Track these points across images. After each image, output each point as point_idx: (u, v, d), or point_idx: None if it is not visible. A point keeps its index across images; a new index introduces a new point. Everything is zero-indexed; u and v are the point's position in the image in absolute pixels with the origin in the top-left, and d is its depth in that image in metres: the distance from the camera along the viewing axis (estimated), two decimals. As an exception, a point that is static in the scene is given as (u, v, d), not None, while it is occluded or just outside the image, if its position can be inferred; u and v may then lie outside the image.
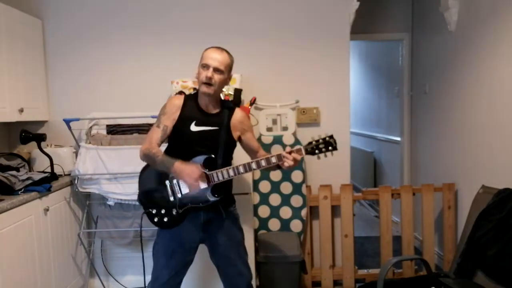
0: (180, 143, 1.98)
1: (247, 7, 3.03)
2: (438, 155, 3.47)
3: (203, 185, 1.90)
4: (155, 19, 3.03)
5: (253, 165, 1.89)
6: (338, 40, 3.04)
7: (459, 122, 3.10)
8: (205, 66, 1.92)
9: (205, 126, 1.97)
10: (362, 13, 3.34)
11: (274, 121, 3.01)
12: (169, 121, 1.97)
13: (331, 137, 1.89)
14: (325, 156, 1.89)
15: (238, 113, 2.07)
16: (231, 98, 2.71)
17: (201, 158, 1.91)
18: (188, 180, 1.86)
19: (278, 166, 1.94)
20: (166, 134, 1.98)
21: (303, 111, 3.07)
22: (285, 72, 3.07)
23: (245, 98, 2.89)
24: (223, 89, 2.70)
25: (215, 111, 2.01)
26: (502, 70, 2.58)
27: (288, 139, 2.98)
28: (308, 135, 3.07)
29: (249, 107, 2.85)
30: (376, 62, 5.05)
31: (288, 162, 1.85)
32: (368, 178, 5.29)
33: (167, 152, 2.04)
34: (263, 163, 1.89)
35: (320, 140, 1.88)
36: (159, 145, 1.97)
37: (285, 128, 3.01)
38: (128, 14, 3.03)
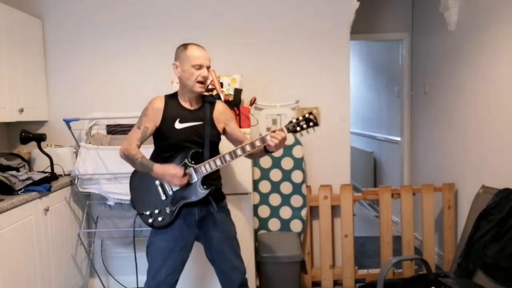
0: (168, 142, 2.00)
1: (247, 7, 3.03)
2: (438, 155, 3.47)
3: (192, 179, 1.94)
4: (156, 19, 3.04)
5: (238, 152, 1.92)
6: (338, 40, 3.04)
7: (459, 122, 3.10)
8: (199, 66, 1.95)
9: (189, 122, 2.01)
10: (362, 13, 3.34)
11: (274, 121, 3.01)
12: (150, 123, 2.00)
13: (310, 113, 1.92)
14: (307, 132, 1.93)
15: (219, 105, 2.12)
16: (231, 98, 2.72)
17: (187, 154, 1.95)
18: (173, 179, 1.89)
19: (266, 151, 1.97)
20: (146, 135, 2.01)
21: (303, 111, 3.07)
22: (285, 72, 3.07)
23: (245, 98, 2.90)
24: (223, 89, 2.72)
25: (197, 106, 2.05)
26: (502, 70, 2.58)
27: (288, 139, 2.96)
28: (308, 135, 3.07)
29: (249, 107, 2.85)
30: (376, 62, 5.05)
31: (274, 141, 1.87)
32: (368, 178, 5.28)
33: (155, 151, 2.09)
34: (248, 148, 1.91)
35: (300, 118, 1.92)
36: (139, 146, 2.01)
37: (285, 128, 3.01)
38: (128, 14, 3.03)
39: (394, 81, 4.41)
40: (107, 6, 3.03)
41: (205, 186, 1.95)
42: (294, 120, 1.91)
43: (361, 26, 3.82)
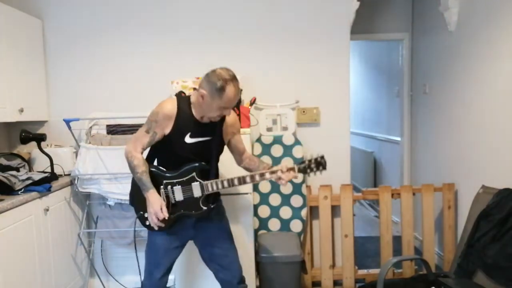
0: (174, 153, 1.97)
1: (247, 7, 3.03)
2: (438, 155, 3.47)
3: (196, 195, 1.95)
4: (156, 19, 3.04)
5: (248, 179, 1.96)
6: (338, 40, 3.04)
7: (459, 122, 3.10)
8: (226, 108, 1.88)
9: (199, 137, 1.97)
10: (362, 13, 3.35)
11: (274, 121, 3.01)
12: (159, 129, 1.93)
13: (322, 157, 2.00)
14: (315, 174, 2.01)
15: (230, 117, 2.05)
16: (231, 98, 2.71)
17: (195, 168, 1.94)
18: (152, 216, 1.90)
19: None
20: (153, 141, 1.96)
21: (303, 111, 3.07)
22: (285, 72, 3.07)
23: (245, 98, 2.90)
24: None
25: (208, 120, 1.97)
26: (502, 70, 2.58)
27: (288, 139, 2.98)
28: (308, 135, 3.11)
29: (249, 107, 2.86)
30: (376, 62, 5.05)
31: (282, 183, 1.94)
32: (368, 178, 5.28)
33: (154, 155, 2.05)
34: (257, 178, 1.96)
35: (313, 160, 1.99)
36: (143, 151, 1.97)
37: (285, 128, 3.01)
38: (128, 14, 3.04)
39: (394, 81, 4.41)
40: (107, 6, 3.03)
41: (207, 203, 1.97)
42: (306, 162, 1.98)
43: (361, 26, 3.83)
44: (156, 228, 1.94)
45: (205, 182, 1.94)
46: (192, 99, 1.94)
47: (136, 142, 1.95)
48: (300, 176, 2.97)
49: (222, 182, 1.93)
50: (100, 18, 3.04)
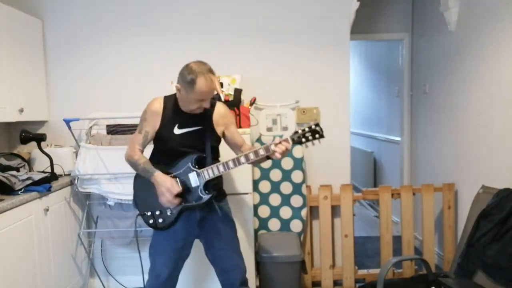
0: (167, 147, 1.99)
1: (247, 7, 3.03)
2: (438, 155, 3.47)
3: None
4: (156, 19, 3.04)
5: (242, 159, 1.92)
6: (338, 40, 3.04)
7: (459, 122, 3.10)
8: (202, 100, 1.91)
9: (188, 127, 1.99)
10: (362, 13, 3.35)
11: (274, 121, 3.01)
12: (150, 126, 2.00)
13: (317, 125, 1.90)
14: (313, 144, 1.91)
15: (219, 108, 2.08)
16: (231, 98, 2.72)
17: (190, 158, 1.95)
18: (166, 194, 1.88)
19: (267, 157, 1.95)
20: (147, 139, 2.01)
21: (303, 111, 3.07)
22: (285, 72, 3.07)
23: (245, 98, 2.90)
24: (223, 89, 2.72)
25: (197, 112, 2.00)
26: (502, 70, 2.58)
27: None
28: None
29: (249, 107, 2.86)
30: (376, 62, 5.05)
31: (276, 156, 1.88)
32: (368, 178, 5.28)
33: (153, 154, 2.07)
34: (252, 156, 1.91)
35: (306, 129, 1.90)
36: (142, 150, 2.01)
37: (285, 128, 3.01)
38: (128, 14, 3.03)
39: (394, 81, 4.41)
40: (107, 6, 3.03)
41: (207, 191, 1.95)
42: (300, 131, 1.90)
43: (361, 26, 3.82)
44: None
45: (201, 169, 1.93)
46: (177, 94, 2.01)
47: (133, 144, 2.02)
48: (301, 176, 2.97)
49: (217, 166, 1.92)
50: (100, 18, 3.04)
